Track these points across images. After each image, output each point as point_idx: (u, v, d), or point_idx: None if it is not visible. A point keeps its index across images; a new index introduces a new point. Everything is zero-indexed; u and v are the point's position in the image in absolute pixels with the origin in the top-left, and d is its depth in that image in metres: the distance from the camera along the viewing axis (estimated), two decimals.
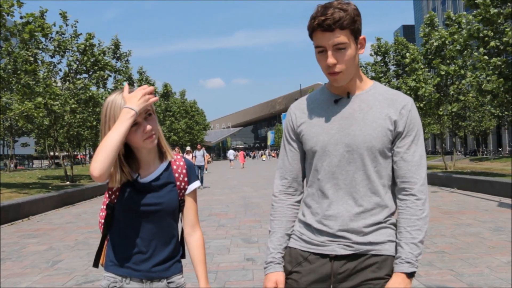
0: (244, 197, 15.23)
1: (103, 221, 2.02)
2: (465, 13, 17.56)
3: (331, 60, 1.71)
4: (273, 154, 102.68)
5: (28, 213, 12.07)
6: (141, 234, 1.92)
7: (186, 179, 2.03)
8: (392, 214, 1.83)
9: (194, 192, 2.07)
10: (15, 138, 40.47)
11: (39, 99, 14.07)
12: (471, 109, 40.42)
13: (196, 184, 2.07)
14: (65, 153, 33.76)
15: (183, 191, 2.03)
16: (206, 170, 20.77)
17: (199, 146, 20.62)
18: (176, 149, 18.35)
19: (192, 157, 19.88)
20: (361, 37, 1.75)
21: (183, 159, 2.07)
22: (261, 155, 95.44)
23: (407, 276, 1.71)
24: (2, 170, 37.63)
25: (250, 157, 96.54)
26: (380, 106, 1.81)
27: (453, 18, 21.00)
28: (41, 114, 15.16)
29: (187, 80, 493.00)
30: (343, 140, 1.79)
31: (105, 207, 2.00)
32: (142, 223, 1.92)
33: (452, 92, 21.19)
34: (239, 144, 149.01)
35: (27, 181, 19.71)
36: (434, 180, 17.81)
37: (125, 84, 1.76)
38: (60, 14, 18.97)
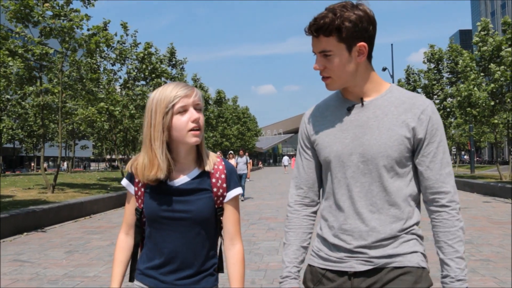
0: (289, 193, 15.48)
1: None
2: None
3: (315, 65, 1.69)
4: None
5: (90, 212, 12.93)
6: (168, 243, 1.80)
7: (224, 185, 1.86)
8: (416, 224, 1.73)
9: (234, 199, 1.89)
10: (76, 142, 42.56)
11: (102, 104, 15.04)
12: None
13: (237, 191, 1.89)
14: (122, 156, 35.24)
15: (221, 198, 1.85)
16: (249, 178, 18.03)
17: (241, 151, 18.07)
18: (218, 152, 17.96)
19: (235, 164, 17.55)
20: (359, 44, 1.63)
21: (223, 162, 1.91)
22: None
23: None
24: (63, 171, 39.68)
25: None
26: (397, 111, 1.69)
27: (511, 23, 20.50)
28: (103, 119, 16.13)
29: (239, 86, 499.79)
30: (357, 150, 1.69)
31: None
32: (168, 231, 1.80)
33: (508, 100, 20.66)
34: (289, 151, 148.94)
35: (87, 182, 20.89)
36: (487, 190, 17.47)
37: None
38: (121, 24, 20.13)
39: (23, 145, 51.22)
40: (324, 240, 1.79)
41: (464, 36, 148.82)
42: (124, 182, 1.91)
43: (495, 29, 21.96)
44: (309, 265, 1.84)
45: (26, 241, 8.79)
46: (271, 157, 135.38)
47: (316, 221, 1.89)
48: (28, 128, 42.34)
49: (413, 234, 1.71)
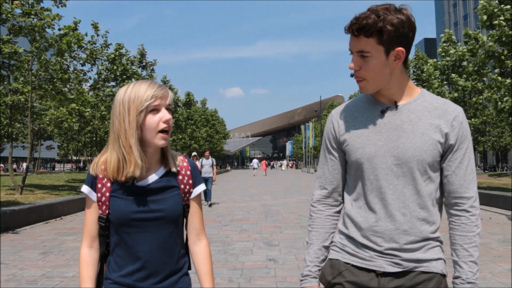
0: (264, 204, 15.77)
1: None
2: (478, 31, 17.96)
3: (351, 64, 1.69)
4: (291, 165, 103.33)
5: (60, 213, 12.82)
6: (142, 247, 1.74)
7: (191, 181, 1.87)
8: (438, 229, 1.77)
9: (199, 196, 1.91)
10: (41, 142, 41.70)
11: (73, 105, 14.93)
12: (491, 124, 40.44)
13: (201, 187, 1.91)
14: (89, 157, 34.77)
15: (187, 195, 1.86)
16: (215, 181, 17.04)
17: (207, 153, 16.15)
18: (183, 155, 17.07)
19: (200, 166, 15.73)
20: (398, 49, 1.64)
21: (186, 159, 1.92)
22: (280, 165, 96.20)
23: None
24: (29, 172, 38.78)
25: (268, 166, 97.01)
26: (430, 116, 1.72)
27: (472, 35, 21.41)
28: (73, 120, 15.99)
29: (207, 89, 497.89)
30: (392, 152, 1.70)
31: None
32: (142, 234, 1.74)
33: (469, 108, 21.55)
34: (257, 154, 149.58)
35: (56, 183, 20.59)
36: None
37: None
38: (92, 25, 19.98)
39: None
40: (351, 239, 1.79)
41: (429, 44, 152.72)
42: (85, 189, 1.79)
43: (458, 39, 22.85)
44: (330, 259, 1.84)
45: None
46: (238, 160, 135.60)
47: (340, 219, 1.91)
48: None
49: (437, 241, 1.76)
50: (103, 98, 20.25)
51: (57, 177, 27.22)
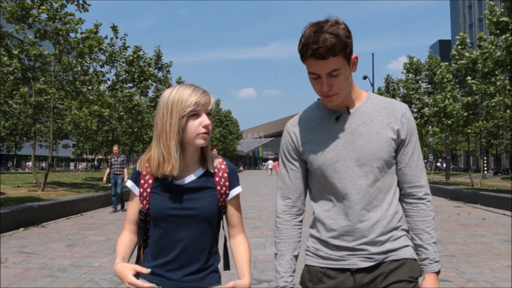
0: (276, 204, 16.15)
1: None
2: (492, 38, 18.20)
3: (325, 87, 1.71)
4: None
5: (80, 210, 13.43)
6: (176, 241, 1.84)
7: (227, 183, 1.94)
8: (401, 218, 1.86)
9: (236, 197, 1.98)
10: (58, 141, 42.60)
11: (95, 107, 15.54)
12: (504, 127, 40.41)
13: (238, 189, 1.98)
14: (102, 157, 35.47)
15: (223, 196, 1.93)
16: None
17: (214, 151, 16.40)
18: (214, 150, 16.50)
19: None
20: (353, 57, 1.74)
21: (224, 162, 1.98)
22: None
23: (436, 274, 1.82)
24: (44, 170, 39.62)
25: None
26: (381, 116, 1.83)
27: (486, 39, 21.60)
28: (94, 121, 16.61)
29: (220, 89, 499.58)
30: (351, 155, 1.79)
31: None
32: (175, 229, 1.84)
33: (481, 111, 21.77)
34: (270, 154, 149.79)
35: (75, 181, 21.26)
36: (459, 196, 18.47)
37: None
38: (111, 27, 20.59)
39: (5, 143, 50.92)
40: (323, 242, 1.86)
41: (444, 46, 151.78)
42: (129, 184, 1.92)
43: (472, 42, 23.05)
44: (307, 265, 1.91)
45: (25, 236, 9.28)
46: (251, 161, 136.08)
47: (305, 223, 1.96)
48: (12, 126, 42.21)
49: (402, 230, 1.86)
50: (121, 99, 20.88)
51: (74, 175, 27.93)
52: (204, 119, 1.79)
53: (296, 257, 1.93)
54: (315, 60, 1.67)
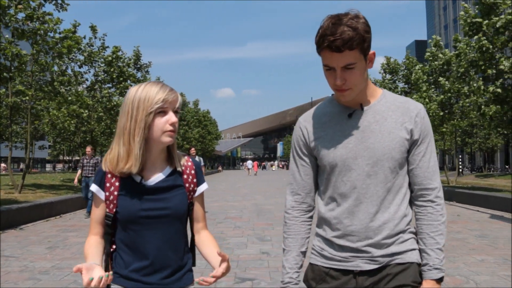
0: (256, 204, 16.33)
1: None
2: (466, 39, 18.67)
3: (339, 81, 1.69)
4: (281, 165, 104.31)
5: (59, 211, 13.27)
6: (149, 244, 1.80)
7: (195, 180, 1.93)
8: (411, 221, 1.83)
9: (202, 194, 1.98)
10: (34, 142, 41.94)
11: (74, 107, 15.40)
12: (478, 126, 41.35)
13: (204, 186, 1.98)
14: (79, 158, 35.10)
15: (192, 193, 1.92)
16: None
17: (192, 150, 14.52)
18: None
19: None
20: (370, 53, 1.71)
21: (190, 159, 1.97)
22: (271, 165, 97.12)
23: (436, 282, 1.74)
24: (20, 172, 39.05)
25: (260, 167, 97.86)
26: (395, 115, 1.79)
27: (461, 40, 22.13)
28: (72, 122, 16.46)
29: (198, 89, 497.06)
30: (362, 153, 1.77)
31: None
32: (149, 231, 1.80)
33: (456, 111, 22.29)
34: (248, 154, 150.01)
35: (52, 183, 21.01)
36: None
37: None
38: (90, 27, 20.41)
39: None
40: (328, 241, 1.84)
41: (420, 46, 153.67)
42: (94, 188, 1.84)
43: (447, 43, 23.59)
44: (311, 264, 1.89)
45: (3, 239, 9.14)
46: (230, 161, 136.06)
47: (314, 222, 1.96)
48: None
49: (410, 233, 1.82)
50: (100, 100, 20.71)
51: (52, 177, 27.59)
52: (171, 117, 1.77)
53: (303, 253, 1.91)
54: (330, 52, 1.64)
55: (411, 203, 1.85)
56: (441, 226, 1.78)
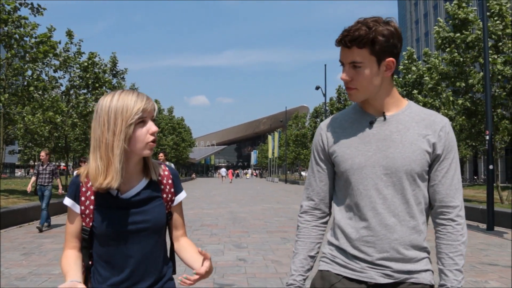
0: (231, 212, 16.42)
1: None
2: (437, 53, 19.32)
3: (343, 75, 1.71)
4: (255, 174, 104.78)
5: (33, 218, 13.12)
6: (128, 257, 1.74)
7: (172, 190, 1.87)
8: (425, 238, 1.78)
9: (180, 203, 1.92)
10: (4, 147, 41.04)
11: (50, 113, 15.25)
12: None
13: (183, 194, 1.92)
14: (55, 163, 34.54)
15: (170, 203, 1.86)
16: None
17: (161, 155, 12.46)
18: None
19: None
20: (388, 59, 1.68)
21: (167, 168, 1.91)
22: (245, 174, 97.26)
23: None
24: None
25: (234, 175, 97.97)
26: (418, 127, 1.75)
27: (431, 54, 22.84)
28: (47, 128, 16.28)
29: (172, 97, 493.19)
30: (381, 162, 1.73)
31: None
32: (127, 245, 1.74)
33: None
34: (222, 162, 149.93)
35: (25, 189, 20.65)
36: None
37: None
38: (67, 32, 20.27)
39: None
40: (341, 250, 1.80)
41: None
42: (68, 202, 1.77)
43: (419, 56, 24.31)
44: (320, 271, 1.86)
45: None
46: (203, 168, 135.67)
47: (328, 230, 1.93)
48: None
49: (426, 251, 1.77)
50: (75, 105, 20.54)
51: (23, 182, 27.09)
52: (151, 126, 1.71)
53: (312, 257, 1.89)
54: (342, 47, 1.69)
55: (428, 219, 1.83)
56: (461, 246, 1.74)
